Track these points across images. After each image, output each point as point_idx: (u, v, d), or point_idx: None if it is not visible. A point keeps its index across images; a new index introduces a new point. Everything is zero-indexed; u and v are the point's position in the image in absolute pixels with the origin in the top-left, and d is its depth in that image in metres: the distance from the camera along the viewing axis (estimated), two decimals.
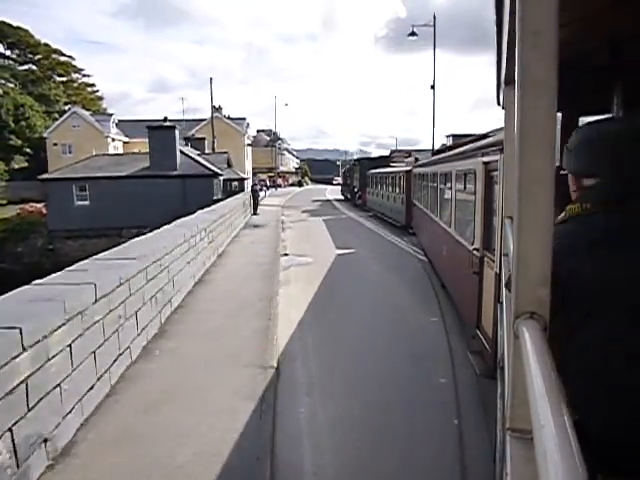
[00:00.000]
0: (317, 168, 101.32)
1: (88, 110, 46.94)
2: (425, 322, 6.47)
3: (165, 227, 8.05)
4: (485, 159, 4.98)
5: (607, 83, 2.62)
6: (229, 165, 32.99)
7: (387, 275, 9.52)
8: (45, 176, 24.94)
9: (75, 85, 52.41)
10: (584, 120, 3.06)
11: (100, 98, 56.53)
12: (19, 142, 38.86)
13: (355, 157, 38.09)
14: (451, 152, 7.84)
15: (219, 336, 5.52)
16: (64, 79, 50.42)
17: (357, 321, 6.56)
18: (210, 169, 25.74)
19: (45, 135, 40.44)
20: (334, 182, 64.59)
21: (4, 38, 44.19)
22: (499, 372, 2.24)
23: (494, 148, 4.54)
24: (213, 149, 38.15)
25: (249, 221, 19.38)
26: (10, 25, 44.61)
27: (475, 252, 5.17)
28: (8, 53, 45.90)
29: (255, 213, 22.25)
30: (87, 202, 24.87)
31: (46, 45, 47.76)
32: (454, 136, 30.84)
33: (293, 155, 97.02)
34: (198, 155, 30.38)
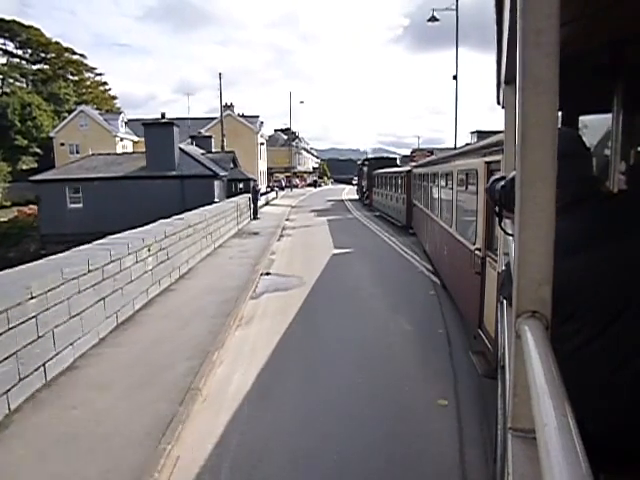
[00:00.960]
0: (340, 168, 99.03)
1: (99, 109, 45.95)
2: (429, 409, 4.14)
3: (78, 248, 5.98)
4: (487, 159, 4.90)
5: (607, 83, 2.62)
6: (235, 165, 31.07)
7: (384, 304, 7.20)
8: (37, 177, 23.50)
9: (88, 84, 51.51)
10: (584, 119, 3.17)
11: (113, 97, 55.65)
12: (25, 142, 37.91)
13: (371, 157, 37.75)
14: (452, 152, 7.93)
15: (74, 449, 3.34)
16: (76, 78, 49.55)
17: (327, 406, 4.30)
18: (211, 169, 23.82)
19: (52, 135, 39.45)
20: (353, 182, 62.41)
21: (15, 37, 43.58)
22: (500, 371, 2.12)
23: (496, 148, 4.37)
24: (222, 147, 36.38)
25: (244, 227, 17.29)
26: (21, 24, 43.95)
27: (477, 252, 5.13)
28: (18, 52, 45.26)
29: (255, 217, 20.13)
30: (80, 205, 23.36)
31: (57, 43, 46.99)
32: (479, 133, 28.24)
33: (312, 155, 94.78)
34: (202, 154, 28.60)
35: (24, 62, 45.63)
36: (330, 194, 44.46)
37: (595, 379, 1.26)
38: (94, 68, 52.36)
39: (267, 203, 32.94)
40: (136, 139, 44.90)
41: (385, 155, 44.69)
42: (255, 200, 20.19)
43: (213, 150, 33.17)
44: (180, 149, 24.63)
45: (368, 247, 13.11)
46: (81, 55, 50.00)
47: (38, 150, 41.39)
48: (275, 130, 74.15)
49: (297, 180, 66.42)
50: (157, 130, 23.42)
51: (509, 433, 0.98)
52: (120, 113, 45.16)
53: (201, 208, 12.79)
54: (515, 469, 0.90)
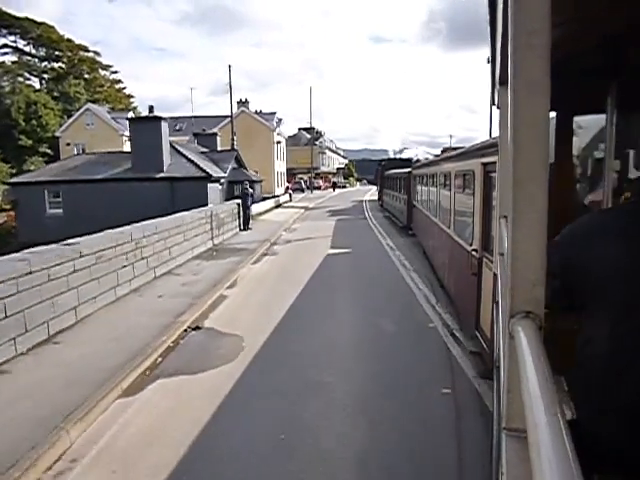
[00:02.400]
0: (371, 169, 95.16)
1: (112, 109, 44.11)
2: None
3: None
4: (484, 160, 4.88)
5: (601, 83, 2.70)
6: (240, 165, 28.06)
7: (357, 436, 3.77)
8: (14, 180, 21.24)
9: (101, 82, 49.93)
10: (578, 120, 3.20)
11: (129, 96, 53.86)
12: (29, 142, 36.27)
13: (387, 158, 37.54)
14: (450, 154, 8.08)
15: None
16: (90, 76, 47.99)
17: None
18: (204, 170, 20.85)
19: (58, 134, 37.75)
20: None
21: (26, 34, 42.33)
22: (495, 372, 2.16)
23: (493, 149, 4.28)
24: (232, 146, 33.51)
25: (224, 242, 14.08)
26: (33, 21, 42.71)
27: (474, 253, 5.08)
28: (32, 50, 44.05)
29: (245, 227, 16.87)
30: (60, 210, 20.90)
31: (69, 41, 45.55)
32: None
33: (339, 154, 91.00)
34: (202, 153, 25.75)
35: (36, 60, 44.44)
36: (354, 195, 42.46)
37: (595, 375, 1.20)
38: (109, 66, 50.95)
39: (278, 206, 30.03)
40: None
41: (402, 156, 43.32)
42: (245, 206, 16.87)
43: (219, 149, 30.32)
44: (172, 147, 21.84)
45: (365, 258, 9.66)
46: (95, 52, 48.64)
47: (48, 150, 39.87)
48: (299, 129, 71.03)
49: (320, 181, 62.82)
50: (143, 126, 20.67)
51: (503, 433, 0.96)
52: (129, 111, 43.10)
53: (144, 222, 9.63)
54: (509, 469, 0.88)
